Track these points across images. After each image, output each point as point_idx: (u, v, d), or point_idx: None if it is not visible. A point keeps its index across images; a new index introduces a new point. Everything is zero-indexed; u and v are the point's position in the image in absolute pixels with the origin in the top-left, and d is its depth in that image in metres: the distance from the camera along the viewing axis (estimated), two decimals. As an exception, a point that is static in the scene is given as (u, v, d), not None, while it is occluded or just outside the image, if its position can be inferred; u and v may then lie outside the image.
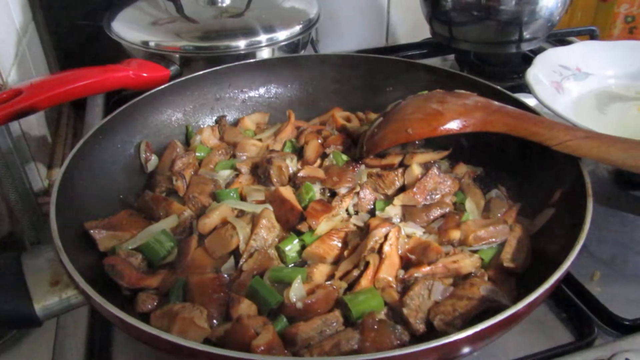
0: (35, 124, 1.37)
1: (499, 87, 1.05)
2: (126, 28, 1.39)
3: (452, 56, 1.75)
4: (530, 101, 1.02)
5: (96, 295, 0.64)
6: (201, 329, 0.70)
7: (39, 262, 0.72)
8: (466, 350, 0.65)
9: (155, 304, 0.78)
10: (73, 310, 0.74)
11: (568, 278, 0.92)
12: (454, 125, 0.90)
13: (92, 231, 0.84)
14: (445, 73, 1.15)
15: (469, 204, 0.94)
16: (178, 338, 0.58)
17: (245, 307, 0.74)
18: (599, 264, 0.98)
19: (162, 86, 1.12)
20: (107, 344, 0.86)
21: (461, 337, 0.59)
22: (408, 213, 0.92)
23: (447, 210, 0.92)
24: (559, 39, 1.74)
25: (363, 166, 1.01)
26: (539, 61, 1.24)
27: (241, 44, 1.34)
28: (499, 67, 1.63)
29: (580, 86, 1.25)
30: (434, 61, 1.72)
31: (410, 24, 2.06)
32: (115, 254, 0.83)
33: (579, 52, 1.30)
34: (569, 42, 1.69)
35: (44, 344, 1.03)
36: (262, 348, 0.64)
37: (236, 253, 0.86)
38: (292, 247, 0.86)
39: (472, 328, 0.60)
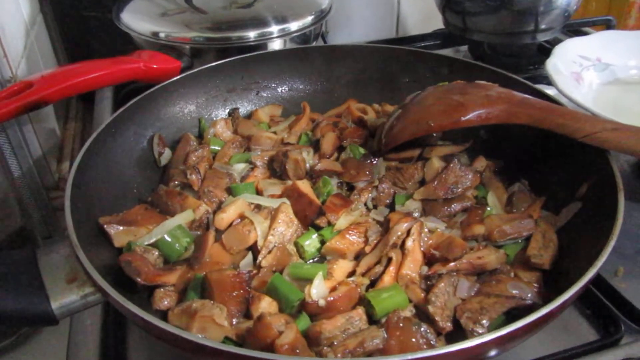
0: (44, 118, 1.35)
1: (520, 78, 1.03)
2: (135, 19, 1.37)
3: (465, 47, 1.72)
4: (548, 92, 1.00)
5: (115, 293, 0.62)
6: (221, 328, 0.68)
7: (54, 258, 0.70)
8: (495, 352, 0.64)
9: (172, 300, 0.77)
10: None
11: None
12: (476, 116, 0.88)
13: (106, 226, 0.82)
14: (464, 64, 1.13)
15: (491, 198, 0.92)
16: (202, 338, 0.57)
17: (266, 305, 0.72)
18: (622, 260, 0.95)
19: (175, 78, 1.10)
20: (121, 340, 0.84)
21: (494, 337, 0.57)
22: (428, 207, 0.90)
23: (469, 204, 0.90)
24: (575, 30, 1.71)
25: (381, 159, 0.99)
26: (559, 51, 1.21)
27: (252, 34, 1.32)
28: (513, 58, 1.60)
29: (601, 77, 1.23)
30: (446, 52, 1.68)
31: (421, 14, 2.03)
32: (130, 249, 0.81)
33: (599, 42, 1.27)
34: (585, 33, 1.65)
35: (57, 340, 1.02)
36: (286, 347, 0.62)
37: (254, 249, 0.84)
38: (311, 242, 0.85)
39: (506, 328, 0.58)
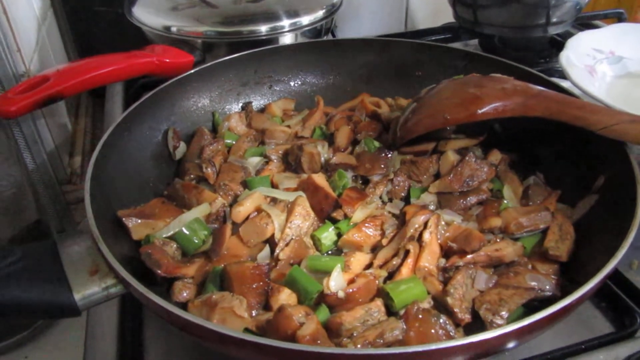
0: (56, 112, 1.36)
1: (535, 71, 1.02)
2: (147, 13, 1.38)
3: (475, 41, 1.71)
4: (563, 85, 0.99)
5: (138, 284, 0.63)
6: (241, 319, 0.69)
7: (75, 250, 0.71)
8: (514, 343, 0.64)
9: (191, 293, 0.77)
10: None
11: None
12: (492, 109, 0.87)
13: (125, 219, 0.83)
14: (477, 57, 1.12)
15: (506, 191, 0.92)
16: (226, 328, 0.57)
17: (286, 297, 0.73)
18: (637, 252, 0.95)
19: (188, 72, 1.10)
20: (138, 333, 0.85)
21: (515, 329, 0.58)
22: (444, 200, 0.90)
23: (484, 197, 0.90)
24: (585, 23, 1.70)
25: (396, 152, 0.99)
26: (572, 44, 1.20)
27: (264, 29, 1.32)
28: (524, 52, 1.60)
29: (614, 70, 1.22)
30: (456, 46, 1.67)
31: (430, 8, 2.02)
32: (148, 242, 0.82)
33: (612, 35, 1.26)
34: (595, 26, 1.65)
35: (72, 333, 1.03)
36: (308, 338, 0.63)
37: (271, 241, 0.85)
38: (328, 235, 0.85)
39: (527, 319, 0.58)
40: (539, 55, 1.57)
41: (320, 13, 1.39)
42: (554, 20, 1.45)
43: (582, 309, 0.86)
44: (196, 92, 1.13)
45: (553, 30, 1.49)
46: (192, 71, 1.11)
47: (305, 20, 1.36)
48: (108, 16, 1.58)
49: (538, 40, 1.58)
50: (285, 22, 1.34)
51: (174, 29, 1.32)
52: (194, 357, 0.81)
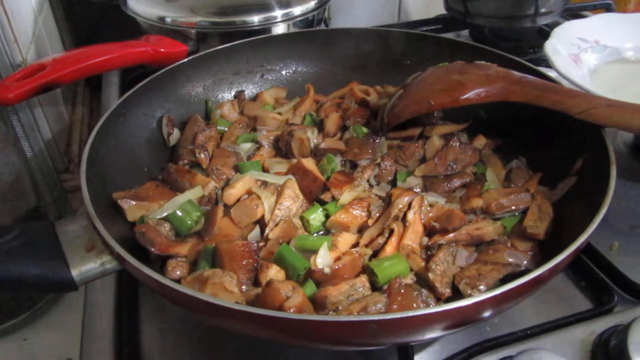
0: (53, 102, 1.38)
1: (519, 59, 1.05)
2: (142, 4, 1.40)
3: (466, 32, 1.74)
4: (549, 75, 1.02)
5: (132, 259, 0.66)
6: (231, 294, 0.72)
7: (72, 229, 0.73)
8: (489, 313, 0.67)
9: (184, 271, 0.80)
10: (100, 278, 0.76)
11: (587, 248, 0.93)
12: (475, 95, 0.90)
13: (120, 201, 0.85)
14: (464, 46, 1.15)
15: (489, 175, 0.95)
16: (214, 298, 0.60)
17: (274, 273, 0.75)
18: (617, 235, 0.99)
19: (182, 61, 1.13)
20: (134, 313, 0.88)
21: (488, 297, 0.60)
22: (429, 183, 0.93)
23: (468, 180, 0.93)
24: (574, 14, 1.73)
25: (383, 138, 1.02)
26: (557, 33, 1.23)
27: (257, 19, 1.35)
28: (513, 42, 1.63)
29: (599, 58, 1.25)
30: (448, 37, 1.71)
31: (422, 0, 2.05)
32: (143, 223, 0.84)
33: (598, 24, 1.29)
34: (584, 17, 1.67)
35: (73, 313, 1.06)
36: (294, 309, 0.65)
37: (261, 222, 0.88)
38: (316, 216, 0.88)
39: (498, 289, 0.61)
40: (528, 45, 1.60)
41: (312, 4, 1.42)
42: (543, 10, 1.48)
43: (564, 288, 0.90)
44: (190, 81, 1.15)
45: (542, 21, 1.52)
46: (186, 60, 1.13)
47: (297, 10, 1.39)
48: (104, 8, 1.60)
49: (527, 30, 1.61)
50: (278, 13, 1.37)
51: (168, 20, 1.34)
52: (189, 335, 0.84)
